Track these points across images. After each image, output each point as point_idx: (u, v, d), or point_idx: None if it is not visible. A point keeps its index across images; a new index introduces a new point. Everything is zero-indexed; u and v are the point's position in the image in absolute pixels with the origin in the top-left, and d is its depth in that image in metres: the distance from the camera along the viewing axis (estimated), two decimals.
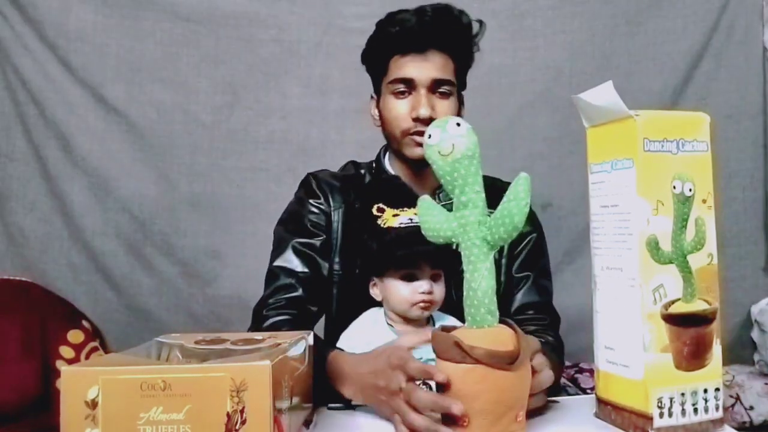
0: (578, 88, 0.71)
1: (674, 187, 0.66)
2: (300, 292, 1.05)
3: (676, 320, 0.66)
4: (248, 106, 1.99)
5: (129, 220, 1.95)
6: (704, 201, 0.68)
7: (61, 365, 1.68)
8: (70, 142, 1.92)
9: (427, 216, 0.70)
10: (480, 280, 0.65)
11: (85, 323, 1.87)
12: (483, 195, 0.67)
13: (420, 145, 1.04)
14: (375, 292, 0.95)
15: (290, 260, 1.06)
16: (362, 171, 1.16)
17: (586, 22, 2.00)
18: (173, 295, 1.95)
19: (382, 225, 0.92)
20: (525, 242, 1.12)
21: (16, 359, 1.68)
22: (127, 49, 1.95)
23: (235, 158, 1.99)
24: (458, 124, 0.66)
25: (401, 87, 1.06)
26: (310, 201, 1.11)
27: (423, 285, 0.89)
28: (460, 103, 1.13)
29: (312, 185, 1.13)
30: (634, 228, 0.66)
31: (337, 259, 1.10)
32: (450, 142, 0.65)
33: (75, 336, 1.81)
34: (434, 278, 0.92)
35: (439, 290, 0.92)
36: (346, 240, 1.09)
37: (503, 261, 1.11)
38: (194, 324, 1.90)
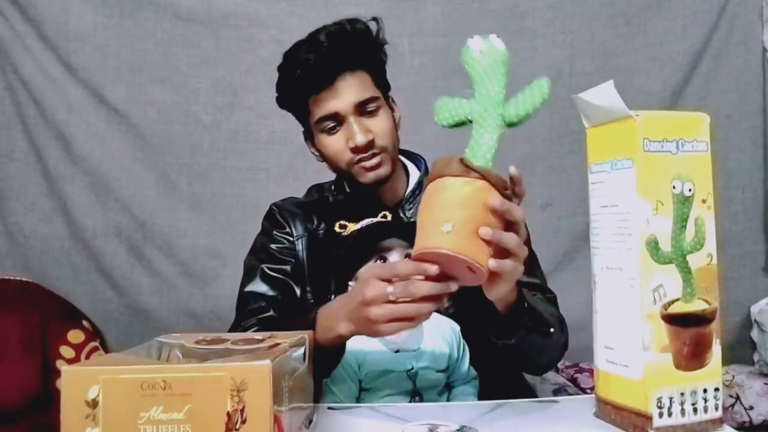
0: (578, 88, 0.71)
1: (674, 187, 0.66)
2: (271, 312, 1.03)
3: (675, 320, 0.66)
4: (248, 106, 2.00)
5: (129, 220, 1.95)
6: (704, 201, 0.68)
7: (61, 365, 1.68)
8: (71, 142, 1.93)
9: (442, 105, 0.73)
10: (484, 134, 0.69)
11: (85, 323, 1.87)
12: (504, 94, 0.71)
13: (368, 169, 1.02)
14: None
15: (260, 286, 1.05)
16: (326, 194, 1.15)
17: (586, 23, 2.00)
18: (174, 295, 1.95)
19: (345, 235, 0.90)
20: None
21: (16, 359, 1.68)
22: (127, 49, 1.96)
23: (235, 158, 1.99)
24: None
25: (330, 123, 1.02)
26: (275, 231, 1.10)
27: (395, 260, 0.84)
28: (390, 107, 1.09)
29: (276, 216, 1.12)
30: (633, 228, 0.66)
31: (308, 288, 1.09)
32: (493, 46, 0.71)
33: (75, 336, 1.81)
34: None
35: None
36: (313, 267, 1.08)
37: None
38: (194, 324, 1.90)
